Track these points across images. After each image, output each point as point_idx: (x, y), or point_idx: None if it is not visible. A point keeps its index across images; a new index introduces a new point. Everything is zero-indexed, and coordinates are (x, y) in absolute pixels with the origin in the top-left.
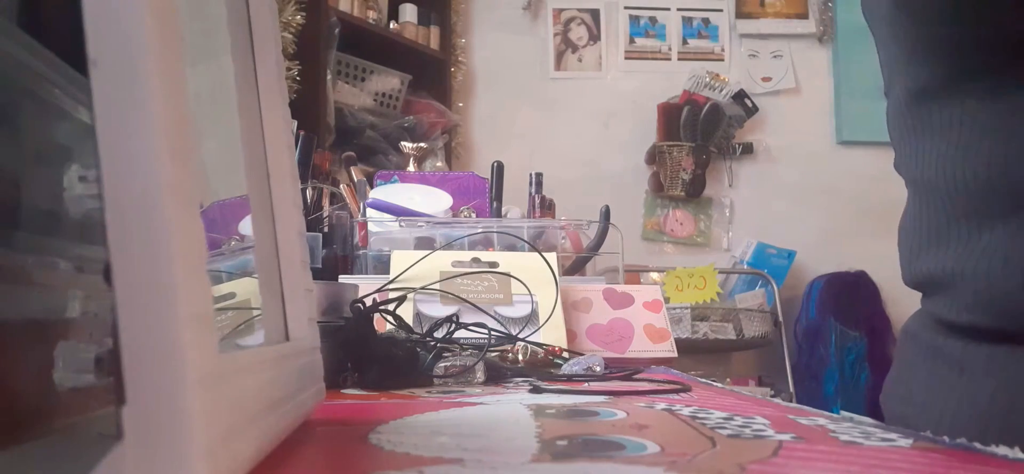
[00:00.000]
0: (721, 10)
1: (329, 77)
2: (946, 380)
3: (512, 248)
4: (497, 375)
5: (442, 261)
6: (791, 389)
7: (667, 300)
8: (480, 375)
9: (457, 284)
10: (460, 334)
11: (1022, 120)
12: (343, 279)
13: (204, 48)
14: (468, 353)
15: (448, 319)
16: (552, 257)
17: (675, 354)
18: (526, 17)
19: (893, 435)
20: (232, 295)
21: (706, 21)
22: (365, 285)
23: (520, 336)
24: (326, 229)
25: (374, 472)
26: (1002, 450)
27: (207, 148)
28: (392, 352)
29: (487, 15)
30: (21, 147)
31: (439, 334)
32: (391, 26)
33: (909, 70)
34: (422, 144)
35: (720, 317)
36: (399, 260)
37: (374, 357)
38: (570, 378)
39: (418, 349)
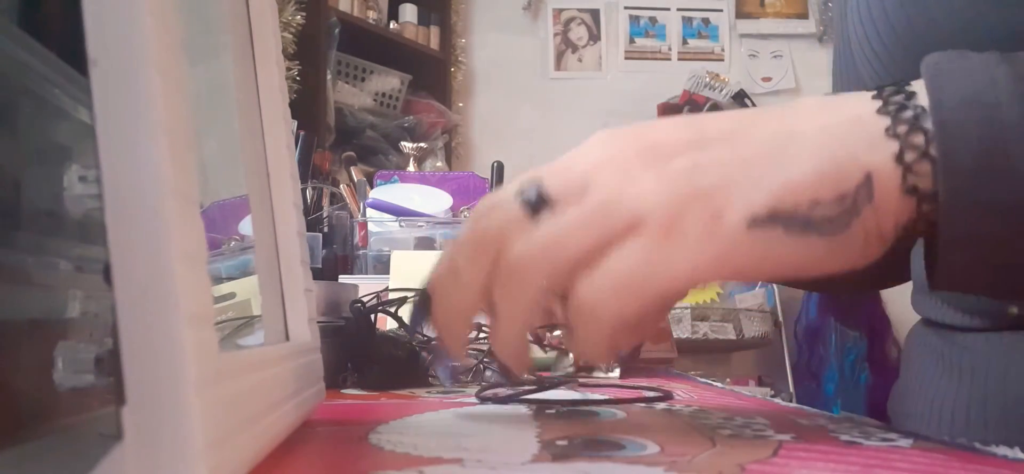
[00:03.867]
0: (721, 10)
1: (329, 77)
2: (937, 370)
3: None
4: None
5: None
6: (791, 389)
7: None
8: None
9: None
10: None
11: None
12: (343, 279)
13: (204, 48)
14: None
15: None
16: None
17: (675, 354)
18: (526, 17)
19: (893, 435)
20: (232, 295)
21: (706, 21)
22: (365, 285)
23: None
24: (326, 229)
25: (374, 472)
26: (1002, 450)
27: (207, 148)
28: (392, 352)
29: (487, 15)
30: (21, 147)
31: None
32: (391, 26)
33: None
34: (422, 144)
35: (720, 317)
36: (399, 260)
37: (374, 357)
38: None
39: (418, 349)
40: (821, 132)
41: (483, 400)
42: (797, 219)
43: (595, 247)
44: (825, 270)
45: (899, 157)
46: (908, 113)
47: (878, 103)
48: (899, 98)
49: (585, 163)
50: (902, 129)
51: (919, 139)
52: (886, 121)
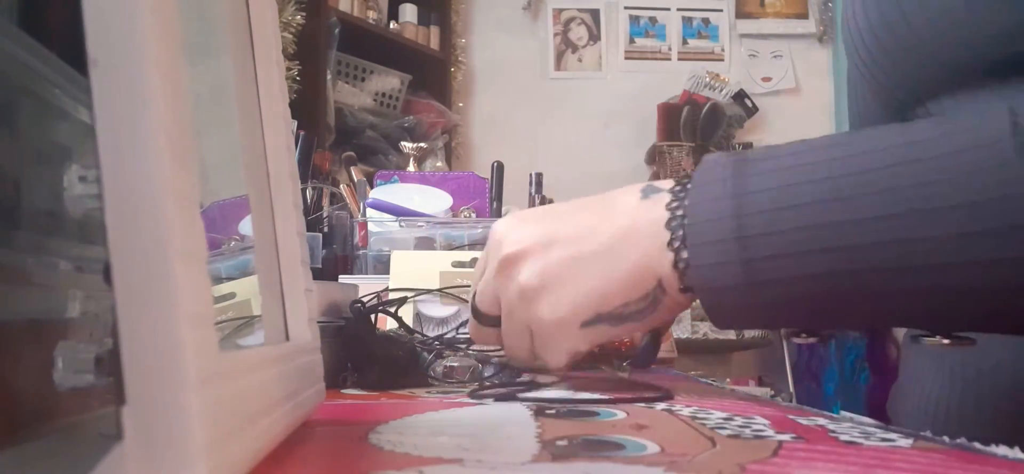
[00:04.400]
0: (721, 10)
1: (329, 77)
2: (933, 370)
3: None
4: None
5: (442, 261)
6: (791, 389)
7: None
8: (486, 371)
9: (457, 284)
10: (465, 333)
11: None
12: (343, 279)
13: (204, 48)
14: (462, 354)
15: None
16: None
17: (675, 354)
18: (526, 17)
19: (893, 435)
20: (232, 295)
21: (706, 21)
22: (365, 285)
23: None
24: (326, 229)
25: (374, 472)
26: (1002, 450)
27: (207, 148)
28: (392, 352)
29: (487, 15)
30: (21, 147)
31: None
32: (391, 26)
33: None
34: (422, 144)
35: None
36: (399, 260)
37: (374, 357)
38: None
39: (418, 349)
40: (629, 245)
41: (478, 398)
42: (614, 316)
43: (523, 334)
44: (647, 330)
45: (674, 265)
46: (680, 231)
47: (667, 215)
48: (680, 212)
49: (482, 290)
50: (675, 244)
51: (684, 254)
52: (667, 235)
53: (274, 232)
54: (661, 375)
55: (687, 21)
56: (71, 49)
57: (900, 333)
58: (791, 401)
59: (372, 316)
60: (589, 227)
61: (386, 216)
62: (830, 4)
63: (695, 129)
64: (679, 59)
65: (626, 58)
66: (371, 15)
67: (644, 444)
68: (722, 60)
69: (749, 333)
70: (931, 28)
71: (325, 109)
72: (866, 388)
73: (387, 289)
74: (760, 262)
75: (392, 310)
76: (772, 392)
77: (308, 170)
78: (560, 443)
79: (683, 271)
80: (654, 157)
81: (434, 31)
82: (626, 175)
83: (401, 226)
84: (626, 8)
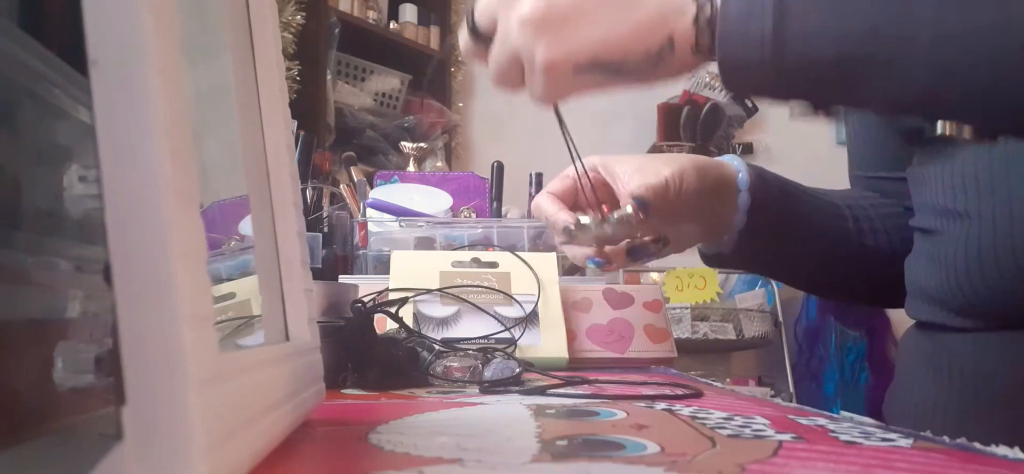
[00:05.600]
0: None
1: (329, 77)
2: (927, 372)
3: (512, 248)
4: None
5: (442, 261)
6: (791, 389)
7: (667, 300)
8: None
9: (457, 284)
10: (464, 334)
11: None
12: (343, 279)
13: (204, 48)
14: (462, 355)
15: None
16: (552, 257)
17: (675, 354)
18: None
19: (893, 435)
20: (232, 295)
21: None
22: (365, 285)
23: (520, 337)
24: (326, 229)
25: (374, 472)
26: (1002, 450)
27: (207, 148)
28: (392, 352)
29: None
30: (21, 147)
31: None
32: (391, 26)
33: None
34: (422, 144)
35: (720, 317)
36: (399, 260)
37: (374, 357)
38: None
39: (418, 349)
40: None
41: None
42: (611, 67)
43: (512, 64)
44: (641, 85)
45: (694, 19)
46: None
47: None
48: None
49: (484, 6)
50: None
51: (707, 9)
52: None
53: (274, 232)
54: (661, 374)
55: None
56: (71, 49)
57: (899, 333)
58: (791, 401)
59: (372, 316)
60: None
61: (386, 216)
62: None
63: (695, 129)
64: None
65: None
66: (371, 15)
67: (644, 444)
68: None
69: (749, 333)
70: None
71: (325, 109)
72: (866, 388)
73: (387, 289)
74: (795, 2)
75: (392, 310)
76: (772, 392)
77: (308, 170)
78: (560, 443)
79: (703, 26)
80: None
81: (434, 31)
82: None
83: (401, 226)
84: None
